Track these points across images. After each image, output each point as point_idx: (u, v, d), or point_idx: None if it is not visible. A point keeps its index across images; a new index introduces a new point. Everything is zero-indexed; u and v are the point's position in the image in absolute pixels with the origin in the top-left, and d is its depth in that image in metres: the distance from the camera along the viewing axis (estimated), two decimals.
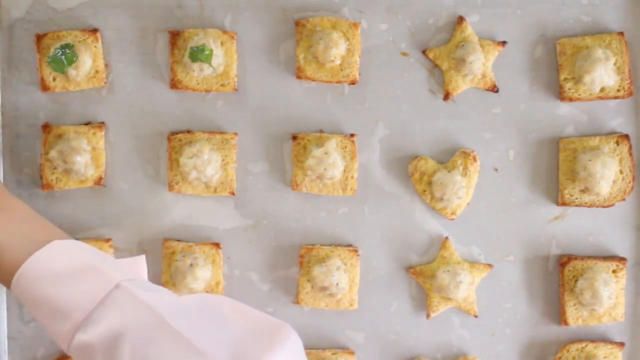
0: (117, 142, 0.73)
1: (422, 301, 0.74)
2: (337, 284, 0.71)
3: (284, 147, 0.73)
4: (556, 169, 0.73)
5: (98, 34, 0.72)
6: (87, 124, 0.73)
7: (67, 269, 0.54)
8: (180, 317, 0.52)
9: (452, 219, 0.73)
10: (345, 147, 0.72)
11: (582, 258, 0.72)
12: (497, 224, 0.73)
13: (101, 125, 0.73)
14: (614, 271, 0.72)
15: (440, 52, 0.72)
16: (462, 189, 0.71)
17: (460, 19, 0.72)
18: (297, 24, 0.72)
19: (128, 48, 0.73)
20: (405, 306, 0.74)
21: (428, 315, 0.73)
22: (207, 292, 0.72)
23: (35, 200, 0.73)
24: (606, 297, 0.70)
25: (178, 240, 0.73)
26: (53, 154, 0.71)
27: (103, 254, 0.58)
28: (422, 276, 0.73)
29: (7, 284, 0.56)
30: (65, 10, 0.73)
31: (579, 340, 0.73)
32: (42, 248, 0.55)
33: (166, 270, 0.72)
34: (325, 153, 0.71)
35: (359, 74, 0.72)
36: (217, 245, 0.73)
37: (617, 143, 0.72)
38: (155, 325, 0.51)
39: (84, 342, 0.52)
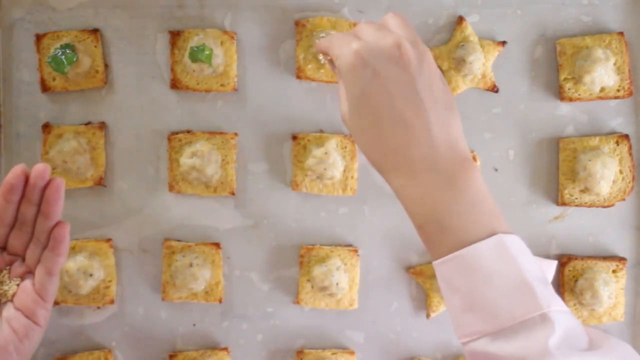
0: (117, 142, 0.74)
1: (422, 301, 0.74)
2: (337, 284, 0.71)
3: (284, 147, 0.73)
4: (556, 169, 0.73)
5: (98, 34, 0.72)
6: (87, 124, 0.73)
7: (501, 272, 0.50)
8: None
9: None
10: (345, 147, 0.72)
11: (582, 258, 0.72)
12: None
13: (101, 125, 0.73)
14: (613, 271, 0.72)
15: (440, 52, 0.72)
16: None
17: (460, 19, 0.72)
18: (297, 24, 0.72)
19: (128, 48, 0.73)
20: (405, 306, 0.74)
21: (428, 315, 0.73)
22: (206, 292, 0.72)
23: None
24: (606, 297, 0.70)
25: (178, 240, 0.73)
26: (53, 154, 0.71)
27: (537, 268, 0.52)
28: (422, 276, 0.73)
29: (438, 251, 0.52)
30: (65, 10, 0.73)
31: None
32: (487, 239, 0.51)
33: (166, 270, 0.73)
34: (325, 153, 0.71)
35: None
36: (217, 245, 0.73)
37: (617, 143, 0.72)
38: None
39: (486, 350, 0.50)
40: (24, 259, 0.61)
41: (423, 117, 0.52)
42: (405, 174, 0.53)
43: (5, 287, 0.60)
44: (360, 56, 0.52)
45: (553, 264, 0.60)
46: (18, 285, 0.61)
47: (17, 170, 0.59)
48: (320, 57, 0.71)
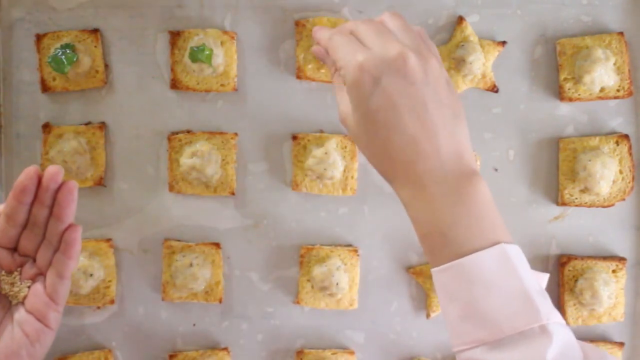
0: (117, 142, 0.74)
1: (422, 301, 0.74)
2: (337, 283, 0.71)
3: (284, 147, 0.73)
4: (556, 169, 0.73)
5: (98, 34, 0.72)
6: (87, 124, 0.73)
7: (503, 281, 0.50)
8: None
9: None
10: (345, 147, 0.72)
11: (582, 258, 0.72)
12: None
13: (101, 125, 0.73)
14: (613, 271, 0.72)
15: (440, 52, 0.72)
16: None
17: (460, 19, 0.72)
18: (297, 24, 0.72)
19: (128, 48, 0.73)
20: (405, 306, 0.74)
21: (428, 315, 0.73)
22: (206, 292, 0.72)
23: None
24: (606, 297, 0.70)
25: (178, 240, 0.73)
26: (53, 154, 0.71)
27: (535, 280, 0.52)
28: (422, 276, 0.73)
29: (438, 259, 0.52)
30: (66, 10, 0.73)
31: (579, 340, 0.73)
32: (490, 248, 0.50)
33: (166, 270, 0.73)
34: (325, 153, 0.71)
35: None
36: (217, 245, 0.73)
37: (617, 143, 0.72)
38: None
39: (483, 359, 0.49)
40: (34, 261, 0.61)
41: (431, 131, 0.52)
42: (413, 186, 0.53)
43: (16, 289, 0.60)
44: (367, 71, 0.52)
45: (545, 277, 0.60)
46: (29, 287, 0.60)
47: (29, 171, 0.58)
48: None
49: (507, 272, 0.50)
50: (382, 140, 0.53)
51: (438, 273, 0.52)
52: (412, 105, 0.52)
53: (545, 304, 0.50)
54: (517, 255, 0.51)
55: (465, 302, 0.51)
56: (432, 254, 0.53)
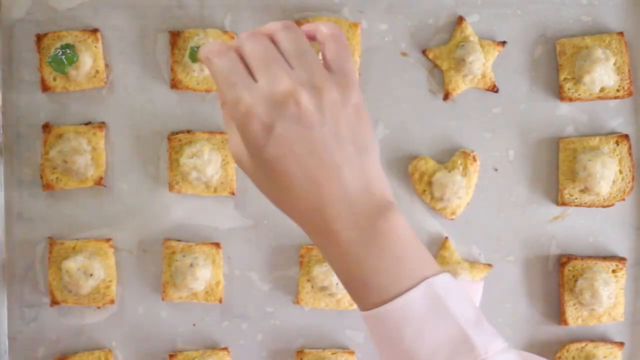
0: (117, 142, 0.74)
1: None
2: (337, 283, 0.71)
3: None
4: (556, 169, 0.73)
5: (98, 34, 0.72)
6: (87, 124, 0.73)
7: (433, 322, 0.47)
8: None
9: (452, 219, 0.73)
10: None
11: (582, 258, 0.72)
12: (497, 224, 0.73)
13: (101, 125, 0.73)
14: (613, 271, 0.72)
15: (440, 52, 0.72)
16: (462, 189, 0.71)
17: (460, 19, 0.72)
18: (297, 24, 0.72)
19: (128, 48, 0.73)
20: None
21: None
22: (206, 292, 0.72)
23: (35, 200, 0.73)
24: (606, 297, 0.70)
25: (178, 240, 0.73)
26: (53, 154, 0.71)
27: (469, 306, 0.49)
28: None
29: (364, 305, 0.49)
30: (66, 10, 0.73)
31: (579, 340, 0.73)
32: (414, 288, 0.47)
33: (166, 270, 0.73)
34: None
35: (359, 74, 0.72)
36: (217, 245, 0.73)
37: (617, 143, 0.72)
38: None
39: None
40: None
41: (335, 172, 0.47)
42: (324, 235, 0.49)
43: None
44: (257, 117, 0.46)
45: (480, 286, 0.58)
46: None
47: None
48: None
49: (436, 311, 0.47)
50: (284, 188, 0.48)
51: (366, 318, 0.49)
52: (310, 150, 0.47)
53: (481, 335, 0.47)
54: (445, 287, 0.48)
55: (398, 350, 0.48)
56: (357, 300, 0.49)
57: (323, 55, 0.50)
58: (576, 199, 0.72)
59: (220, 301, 0.73)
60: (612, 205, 0.72)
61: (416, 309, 0.47)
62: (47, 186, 0.72)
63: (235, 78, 0.47)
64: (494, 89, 0.72)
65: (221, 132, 0.72)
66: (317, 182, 0.47)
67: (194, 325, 0.74)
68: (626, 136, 0.72)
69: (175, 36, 0.72)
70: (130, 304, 0.74)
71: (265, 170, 0.48)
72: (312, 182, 0.47)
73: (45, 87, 0.72)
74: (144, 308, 0.74)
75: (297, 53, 0.48)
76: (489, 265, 0.73)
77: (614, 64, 0.71)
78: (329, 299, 0.72)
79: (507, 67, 0.73)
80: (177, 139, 0.72)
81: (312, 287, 0.72)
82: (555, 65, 0.73)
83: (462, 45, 0.71)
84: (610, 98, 0.72)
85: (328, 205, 0.48)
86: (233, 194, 0.73)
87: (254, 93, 0.46)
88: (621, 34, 0.72)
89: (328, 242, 0.48)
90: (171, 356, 0.73)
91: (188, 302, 0.73)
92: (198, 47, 0.70)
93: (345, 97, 0.48)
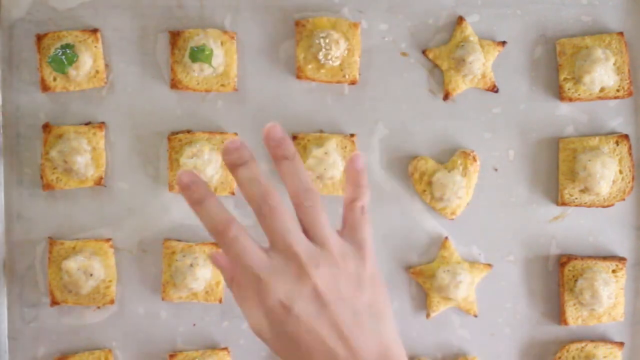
0: (117, 142, 0.74)
1: (422, 301, 0.74)
2: None
3: None
4: (556, 169, 0.73)
5: (98, 34, 0.72)
6: (87, 124, 0.73)
7: None
8: None
9: (452, 219, 0.73)
10: (345, 147, 0.72)
11: (582, 258, 0.72)
12: (497, 224, 0.73)
13: (101, 125, 0.73)
14: (613, 271, 0.72)
15: (440, 52, 0.72)
16: (462, 189, 0.71)
17: (460, 19, 0.72)
18: (297, 24, 0.72)
19: (128, 48, 0.73)
20: (405, 306, 0.74)
21: (428, 315, 0.73)
22: (206, 292, 0.72)
23: (35, 200, 0.73)
24: (606, 297, 0.70)
25: (178, 240, 0.73)
26: (53, 154, 0.71)
27: None
28: (422, 276, 0.73)
29: None
30: (66, 10, 0.73)
31: (579, 340, 0.73)
32: None
33: (166, 270, 0.73)
34: (325, 153, 0.71)
35: (359, 74, 0.72)
36: (217, 245, 0.73)
37: (617, 143, 0.72)
38: None
39: None
40: None
41: (352, 343, 0.50)
42: None
43: None
44: (276, 299, 0.50)
45: None
46: None
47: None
48: (320, 56, 0.71)
49: None
50: (304, 356, 0.50)
51: None
52: (330, 324, 0.50)
53: None
54: None
55: None
56: None
57: (343, 220, 0.54)
58: (576, 199, 0.72)
59: (220, 301, 0.73)
60: (612, 205, 0.72)
61: None
62: (47, 186, 0.72)
63: (257, 295, 0.51)
64: (494, 89, 0.72)
65: (221, 132, 0.72)
66: (335, 354, 0.49)
67: (194, 325, 0.74)
68: (626, 136, 0.72)
69: (175, 36, 0.72)
70: (130, 304, 0.74)
71: (286, 342, 0.50)
72: (330, 354, 0.49)
73: (45, 87, 0.72)
74: (144, 308, 0.74)
75: (313, 226, 0.52)
76: (489, 265, 0.73)
77: (614, 64, 0.71)
78: None
79: (507, 67, 0.73)
80: (177, 139, 0.72)
81: None
82: (555, 65, 0.73)
83: (462, 45, 0.71)
84: (610, 98, 0.72)
85: None
86: (233, 193, 0.73)
87: (273, 275, 0.50)
88: (621, 34, 0.72)
89: None
90: (171, 356, 0.73)
91: (188, 302, 0.73)
92: (198, 47, 0.70)
93: (360, 270, 0.51)
